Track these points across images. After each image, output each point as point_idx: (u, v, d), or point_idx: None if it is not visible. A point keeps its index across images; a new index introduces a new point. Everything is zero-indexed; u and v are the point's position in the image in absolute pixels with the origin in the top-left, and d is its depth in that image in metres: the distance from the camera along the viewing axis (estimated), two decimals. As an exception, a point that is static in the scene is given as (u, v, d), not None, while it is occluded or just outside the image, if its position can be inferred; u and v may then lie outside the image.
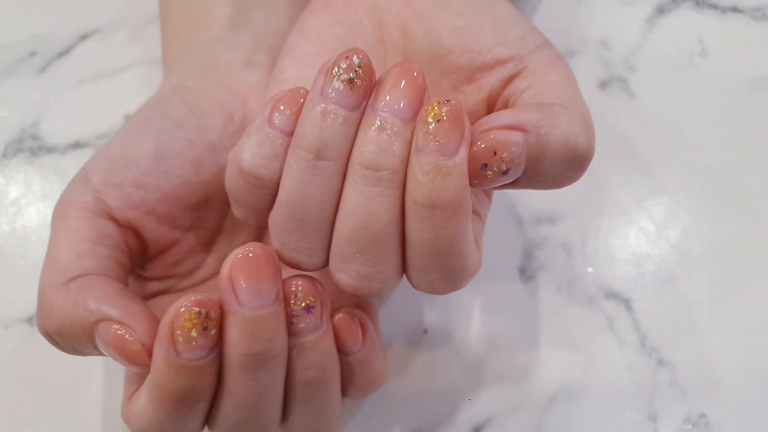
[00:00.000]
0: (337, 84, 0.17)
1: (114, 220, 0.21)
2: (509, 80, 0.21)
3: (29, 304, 0.27)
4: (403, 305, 0.27)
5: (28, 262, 0.28)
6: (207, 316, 0.18)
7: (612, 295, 0.27)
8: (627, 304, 0.27)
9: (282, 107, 0.18)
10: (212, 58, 0.24)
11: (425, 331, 0.27)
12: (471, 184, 0.17)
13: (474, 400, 0.26)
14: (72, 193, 0.21)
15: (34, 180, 0.29)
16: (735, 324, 0.27)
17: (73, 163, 0.29)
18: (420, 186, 0.17)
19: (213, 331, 0.18)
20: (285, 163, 0.18)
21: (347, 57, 0.17)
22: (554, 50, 0.21)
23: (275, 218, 0.19)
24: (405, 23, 0.22)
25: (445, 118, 0.17)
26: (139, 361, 0.18)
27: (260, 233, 0.24)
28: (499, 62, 0.21)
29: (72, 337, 0.19)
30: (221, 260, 0.23)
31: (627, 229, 0.28)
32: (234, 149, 0.19)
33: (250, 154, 0.18)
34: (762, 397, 0.26)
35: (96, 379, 0.26)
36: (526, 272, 0.28)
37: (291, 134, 0.18)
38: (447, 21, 0.22)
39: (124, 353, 0.18)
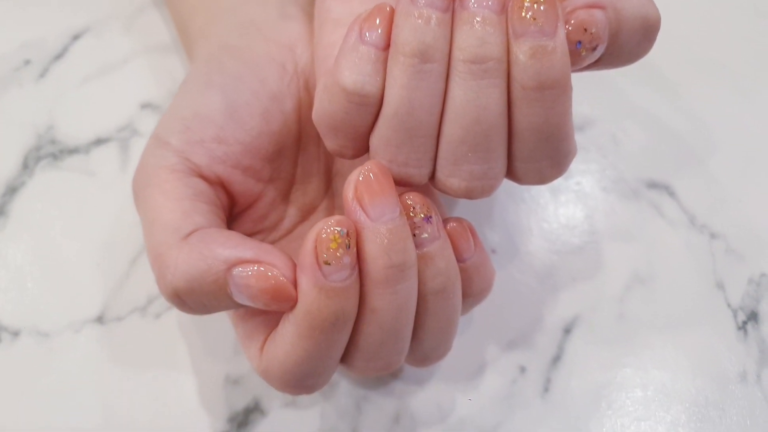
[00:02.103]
0: (425, -12, 0.18)
1: (204, 177, 0.20)
2: None
3: (93, 306, 0.26)
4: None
5: (83, 265, 0.26)
6: (348, 234, 0.18)
7: (653, 185, 0.29)
8: (669, 190, 0.29)
9: (371, 23, 0.18)
10: (246, 17, 0.24)
11: (494, 251, 0.27)
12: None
13: (556, 305, 0.27)
14: (151, 159, 0.20)
15: (64, 183, 0.28)
16: (768, 188, 0.29)
17: (100, 160, 0.28)
18: (528, 69, 0.17)
19: (354, 249, 0.18)
20: (387, 75, 0.18)
21: None
22: None
23: (382, 135, 0.19)
24: None
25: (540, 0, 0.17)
26: (285, 295, 0.18)
27: (328, 179, 0.24)
28: None
29: (203, 290, 0.18)
30: (300, 210, 0.24)
31: (653, 124, 0.30)
32: (326, 76, 0.19)
33: (350, 72, 0.18)
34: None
35: (184, 363, 0.25)
36: (571, 179, 0.29)
37: (385, 48, 0.18)
38: None
39: (268, 290, 0.18)
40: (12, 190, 0.28)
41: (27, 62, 0.31)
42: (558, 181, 0.29)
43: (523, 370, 0.25)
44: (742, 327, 0.26)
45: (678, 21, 0.33)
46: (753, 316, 0.27)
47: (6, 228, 0.27)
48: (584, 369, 0.25)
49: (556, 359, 0.26)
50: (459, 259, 0.20)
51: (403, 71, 0.18)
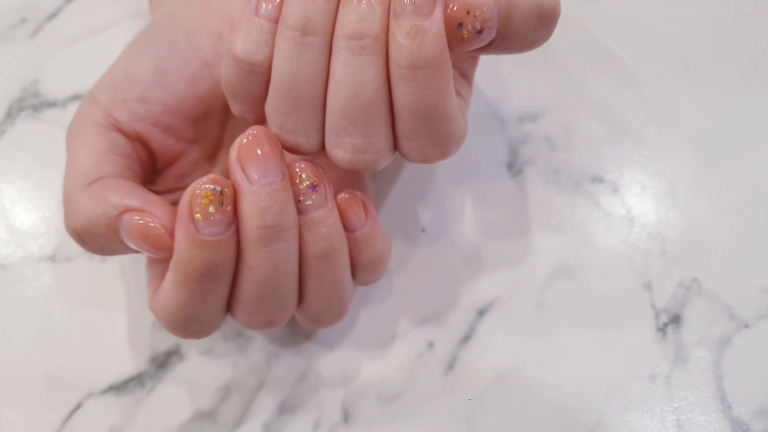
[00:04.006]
0: (313, -36, 0.19)
1: (123, 132, 0.22)
2: None
3: (50, 244, 0.28)
4: (400, 208, 0.28)
5: (41, 205, 0.29)
6: (222, 193, 0.19)
7: (597, 179, 0.29)
8: (613, 186, 0.29)
9: (266, -3, 0.19)
10: (195, -14, 0.26)
11: (423, 230, 0.28)
12: (450, 47, 0.19)
13: (475, 286, 0.27)
14: (83, 112, 0.22)
15: (39, 132, 0.30)
16: (717, 193, 0.28)
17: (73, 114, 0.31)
18: (402, 48, 0.18)
19: (228, 208, 0.19)
20: (275, 46, 0.19)
21: None
22: None
23: (271, 102, 0.20)
24: None
25: (417, -17, 0.18)
26: (162, 244, 0.20)
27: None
28: None
29: (98, 232, 0.20)
30: (223, 172, 0.25)
31: (606, 118, 0.30)
32: (227, 42, 0.20)
33: (242, 41, 0.19)
34: (746, 256, 0.27)
35: (120, 307, 0.27)
36: (514, 167, 0.29)
37: (277, 21, 0.19)
38: None
39: (148, 239, 0.20)
40: (-7, 135, 0.30)
41: (24, 20, 0.33)
42: (500, 170, 0.29)
43: (431, 345, 0.26)
44: (662, 329, 0.26)
45: (653, 17, 0.32)
46: (675, 319, 0.26)
47: (-16, 168, 0.30)
48: (492, 352, 0.26)
49: (466, 339, 0.26)
50: (348, 229, 0.21)
51: (286, 43, 0.19)
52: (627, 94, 0.30)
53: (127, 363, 0.26)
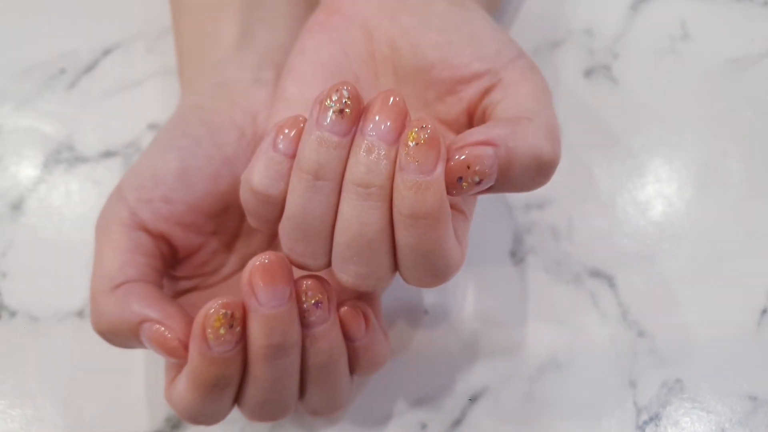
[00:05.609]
0: (329, 114, 0.20)
1: (147, 231, 0.24)
2: (486, 92, 0.23)
3: (77, 299, 0.30)
4: (405, 289, 0.30)
5: (73, 263, 0.31)
6: (232, 315, 0.21)
7: (596, 273, 0.30)
8: (610, 281, 0.30)
9: (284, 133, 0.21)
10: (223, 77, 0.27)
11: (426, 312, 0.30)
12: (449, 194, 0.20)
13: (469, 373, 0.29)
14: (110, 209, 0.24)
15: (73, 188, 0.33)
16: (710, 297, 0.29)
17: (105, 171, 0.33)
18: (404, 200, 0.20)
19: (238, 328, 0.21)
20: (289, 182, 0.21)
21: (338, 90, 0.20)
22: (527, 61, 0.24)
23: (284, 228, 0.21)
24: (393, 40, 0.25)
25: (423, 141, 0.19)
26: (177, 354, 0.22)
27: (273, 236, 0.27)
28: (476, 76, 0.23)
29: (121, 335, 0.22)
30: (241, 259, 0.27)
31: (610, 211, 0.31)
32: (246, 171, 0.22)
33: (260, 176, 0.21)
34: (731, 361, 0.28)
35: (139, 367, 0.29)
36: (517, 255, 0.30)
37: (293, 156, 0.21)
38: (430, 38, 0.24)
39: (164, 348, 0.22)
40: (31, 187, 0.33)
41: (63, 71, 0.35)
42: (504, 256, 0.31)
43: (423, 426, 0.28)
44: (641, 426, 0.28)
45: (668, 107, 0.33)
46: (655, 417, 0.28)
47: (20, 219, 0.32)
48: (480, 438, 0.28)
49: (456, 423, 0.28)
50: (348, 339, 0.23)
51: (299, 183, 0.20)
52: (632, 187, 0.31)
53: (143, 421, 0.28)
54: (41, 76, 0.35)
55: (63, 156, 0.33)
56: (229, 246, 0.26)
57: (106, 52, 0.35)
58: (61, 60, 0.35)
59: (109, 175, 0.33)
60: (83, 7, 0.36)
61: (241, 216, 0.26)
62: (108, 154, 0.33)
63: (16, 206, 0.32)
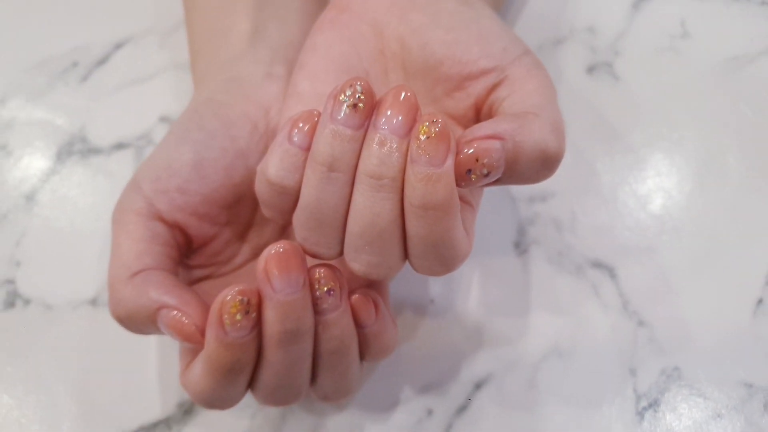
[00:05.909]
0: (343, 108, 0.21)
1: (163, 221, 0.25)
2: (493, 88, 0.24)
3: (90, 288, 0.31)
4: (412, 279, 0.31)
5: (86, 252, 0.32)
6: (248, 302, 0.22)
7: (597, 264, 0.31)
8: (611, 272, 0.31)
9: (299, 127, 0.22)
10: (236, 71, 0.28)
11: (432, 301, 0.31)
12: (459, 186, 0.21)
13: (474, 360, 0.30)
14: (127, 200, 0.25)
15: (85, 179, 0.33)
16: (707, 287, 0.30)
17: (116, 163, 0.33)
18: (415, 191, 0.20)
19: (254, 314, 0.22)
20: (304, 174, 0.22)
21: (351, 85, 0.21)
22: (532, 58, 0.25)
23: (298, 218, 0.22)
24: (402, 37, 0.25)
25: (433, 135, 0.20)
26: (194, 339, 0.22)
27: (285, 226, 0.28)
28: (484, 72, 0.24)
29: (138, 321, 0.23)
30: (254, 249, 0.27)
31: (611, 204, 0.32)
32: (262, 163, 0.22)
33: (275, 167, 0.22)
34: (728, 350, 0.29)
35: (151, 354, 0.30)
36: (520, 246, 0.31)
37: (307, 149, 0.22)
38: (438, 36, 0.25)
39: (182, 334, 0.22)
40: (44, 178, 0.33)
41: (75, 64, 0.36)
42: (507, 248, 0.31)
43: (430, 412, 0.29)
44: (641, 413, 0.29)
45: (670, 102, 0.34)
46: (654, 403, 0.29)
47: (34, 210, 0.33)
48: (485, 423, 0.29)
49: (462, 409, 0.29)
50: (359, 326, 0.24)
51: (314, 175, 0.21)
52: (633, 181, 0.32)
53: (156, 406, 0.29)
54: (54, 69, 0.35)
55: (75, 148, 0.34)
56: (241, 236, 0.27)
57: (118, 46, 0.36)
58: (73, 53, 0.36)
59: (120, 167, 0.33)
60: (96, 2, 0.37)
61: (254, 207, 0.27)
62: (120, 146, 0.34)
63: (30, 197, 0.33)
